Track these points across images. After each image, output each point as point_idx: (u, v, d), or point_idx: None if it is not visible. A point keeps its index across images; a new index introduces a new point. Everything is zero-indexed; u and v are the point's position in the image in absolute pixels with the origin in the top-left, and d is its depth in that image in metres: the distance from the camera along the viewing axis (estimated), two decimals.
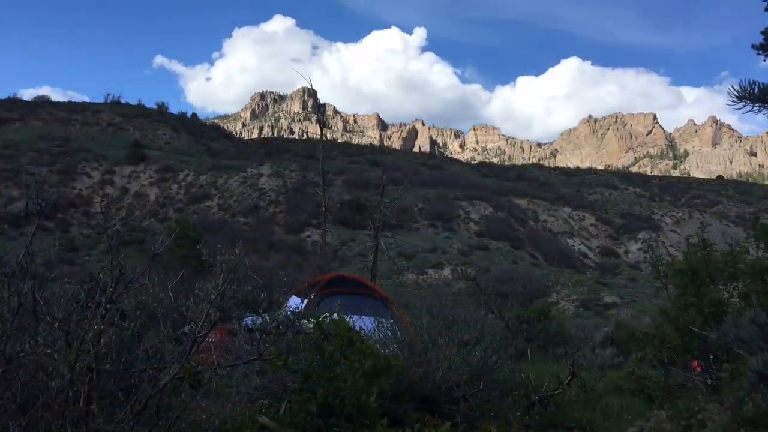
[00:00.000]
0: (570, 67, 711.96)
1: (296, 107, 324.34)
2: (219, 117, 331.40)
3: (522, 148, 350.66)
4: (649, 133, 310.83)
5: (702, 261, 6.59)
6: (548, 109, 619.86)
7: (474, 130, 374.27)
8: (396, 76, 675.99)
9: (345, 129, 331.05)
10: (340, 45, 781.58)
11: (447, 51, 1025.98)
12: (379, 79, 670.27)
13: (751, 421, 1.83)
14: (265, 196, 75.59)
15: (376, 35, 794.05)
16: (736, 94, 1.99)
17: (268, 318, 4.56)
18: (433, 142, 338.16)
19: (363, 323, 6.55)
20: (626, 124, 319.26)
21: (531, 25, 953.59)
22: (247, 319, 6.11)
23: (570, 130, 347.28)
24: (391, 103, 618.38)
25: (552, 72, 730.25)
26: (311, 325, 5.04)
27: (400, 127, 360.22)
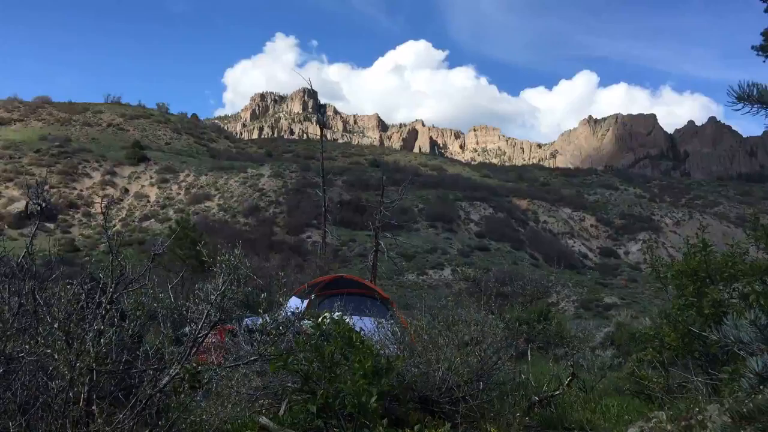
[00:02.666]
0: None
1: (296, 108, 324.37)
2: (219, 117, 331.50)
3: (522, 148, 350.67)
4: (650, 133, 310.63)
5: (701, 262, 6.59)
6: None
7: (474, 130, 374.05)
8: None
9: (345, 129, 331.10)
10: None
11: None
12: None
13: (748, 419, 1.84)
14: (266, 196, 75.59)
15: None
16: (736, 95, 2.00)
17: (268, 318, 4.56)
18: (433, 143, 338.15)
19: (363, 324, 6.55)
20: (626, 125, 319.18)
21: (619, 63, 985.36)
22: (247, 319, 6.12)
23: (570, 130, 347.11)
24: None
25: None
26: (311, 326, 5.04)
27: (400, 127, 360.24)
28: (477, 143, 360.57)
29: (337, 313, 5.69)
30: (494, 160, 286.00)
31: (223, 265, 3.67)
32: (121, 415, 2.90)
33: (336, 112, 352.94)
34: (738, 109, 2.00)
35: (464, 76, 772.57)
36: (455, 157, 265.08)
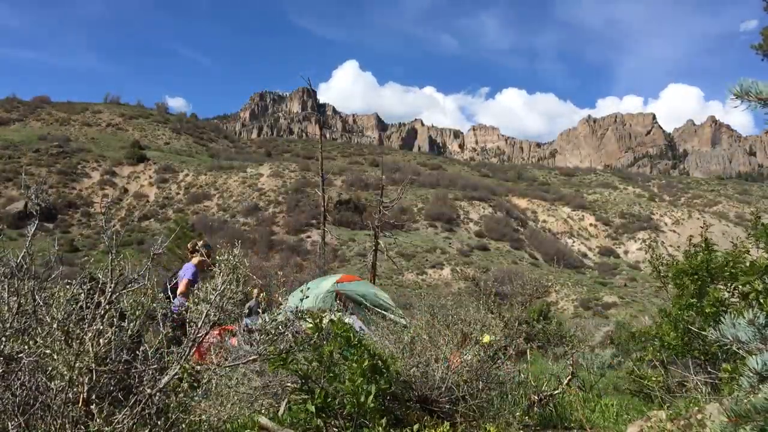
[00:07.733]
0: None
1: (296, 107, 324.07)
2: (218, 117, 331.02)
3: (521, 148, 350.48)
4: (649, 132, 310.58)
5: (703, 261, 6.59)
6: None
7: (473, 130, 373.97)
8: None
9: (344, 129, 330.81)
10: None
11: None
12: None
13: (746, 419, 1.84)
14: (265, 196, 75.54)
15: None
16: (735, 93, 2.00)
17: (267, 318, 4.56)
18: (432, 142, 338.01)
19: (362, 323, 6.56)
20: (625, 124, 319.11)
21: None
22: (246, 319, 6.13)
23: (569, 130, 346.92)
24: None
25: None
26: (310, 325, 5.04)
27: (399, 127, 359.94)
28: (476, 143, 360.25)
29: (336, 313, 5.69)
30: (493, 160, 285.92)
31: (223, 265, 3.67)
32: (120, 415, 2.90)
33: (335, 111, 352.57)
34: (737, 107, 2.00)
35: None
36: (454, 157, 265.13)
